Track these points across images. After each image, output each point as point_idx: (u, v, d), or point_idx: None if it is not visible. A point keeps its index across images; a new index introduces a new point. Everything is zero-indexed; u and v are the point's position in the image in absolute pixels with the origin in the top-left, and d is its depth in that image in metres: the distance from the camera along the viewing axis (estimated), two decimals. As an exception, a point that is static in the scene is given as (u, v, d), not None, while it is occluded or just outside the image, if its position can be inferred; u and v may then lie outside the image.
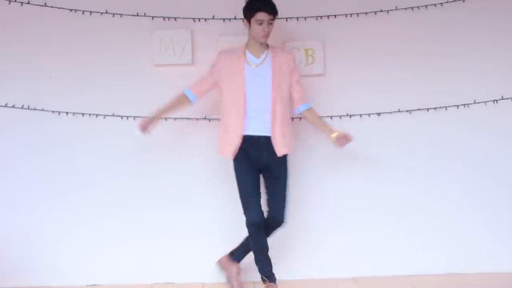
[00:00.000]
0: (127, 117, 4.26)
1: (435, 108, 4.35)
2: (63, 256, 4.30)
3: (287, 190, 3.97)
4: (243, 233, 4.16)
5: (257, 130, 3.86)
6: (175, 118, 4.25)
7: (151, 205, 4.30)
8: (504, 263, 4.36)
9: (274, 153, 3.88)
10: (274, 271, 4.03)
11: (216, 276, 4.28)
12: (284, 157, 3.94)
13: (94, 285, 4.30)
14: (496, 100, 4.36)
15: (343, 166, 4.34)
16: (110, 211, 4.29)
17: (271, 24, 3.79)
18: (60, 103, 4.25)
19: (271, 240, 4.09)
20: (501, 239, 4.38)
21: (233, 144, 3.84)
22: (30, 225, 4.28)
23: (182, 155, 4.29)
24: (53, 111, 4.25)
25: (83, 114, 4.26)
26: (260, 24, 3.77)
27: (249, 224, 3.90)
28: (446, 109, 4.35)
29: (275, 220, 3.93)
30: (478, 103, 4.35)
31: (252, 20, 3.78)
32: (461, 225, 4.38)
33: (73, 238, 4.30)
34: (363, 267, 4.35)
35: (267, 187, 3.98)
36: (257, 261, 4.00)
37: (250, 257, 4.23)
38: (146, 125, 3.94)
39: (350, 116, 4.33)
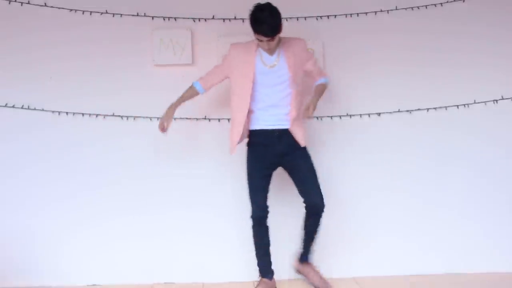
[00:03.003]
0: (127, 117, 4.26)
1: (435, 108, 4.35)
2: (64, 257, 4.30)
3: (315, 174, 3.93)
4: (243, 232, 4.17)
5: (271, 124, 3.88)
6: (175, 119, 4.24)
7: (151, 205, 4.30)
8: (504, 263, 4.36)
9: (289, 144, 3.88)
10: (275, 271, 4.03)
11: (216, 276, 4.29)
12: (305, 147, 3.95)
13: (94, 285, 4.30)
14: (496, 100, 4.36)
15: (342, 165, 4.34)
16: (110, 211, 4.29)
17: (271, 41, 3.76)
18: (60, 103, 4.25)
19: (273, 240, 4.10)
20: (500, 239, 4.38)
21: (234, 140, 3.88)
22: (30, 226, 4.28)
23: (181, 155, 4.29)
24: (53, 111, 4.25)
25: (83, 114, 4.26)
26: (261, 41, 3.77)
27: (252, 218, 3.95)
28: (446, 109, 4.35)
29: (313, 205, 3.91)
30: (478, 103, 4.35)
31: (255, 35, 3.77)
32: (461, 225, 4.38)
33: (73, 238, 4.30)
34: (363, 267, 4.35)
35: (293, 177, 3.97)
36: (256, 255, 4.02)
37: (250, 256, 4.24)
38: (164, 124, 3.93)
39: (350, 116, 4.33)
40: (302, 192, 3.94)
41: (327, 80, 4.01)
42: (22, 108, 4.24)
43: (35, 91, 4.24)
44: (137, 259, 4.29)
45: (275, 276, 4.06)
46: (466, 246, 4.37)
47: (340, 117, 4.33)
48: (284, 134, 3.88)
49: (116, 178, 4.28)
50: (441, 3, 4.31)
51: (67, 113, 4.26)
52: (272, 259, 4.05)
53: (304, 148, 3.94)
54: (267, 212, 3.93)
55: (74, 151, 4.27)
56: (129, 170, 4.28)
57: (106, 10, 4.23)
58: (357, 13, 4.30)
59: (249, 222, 4.05)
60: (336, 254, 4.34)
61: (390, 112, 4.34)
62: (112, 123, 4.27)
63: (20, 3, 4.21)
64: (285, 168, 3.97)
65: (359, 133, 4.34)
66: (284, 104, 3.86)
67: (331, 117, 4.32)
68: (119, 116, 4.27)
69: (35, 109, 4.25)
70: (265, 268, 4.02)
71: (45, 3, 4.21)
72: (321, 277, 4.03)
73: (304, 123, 3.97)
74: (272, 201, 3.97)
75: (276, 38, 3.76)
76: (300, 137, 3.89)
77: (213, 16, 4.26)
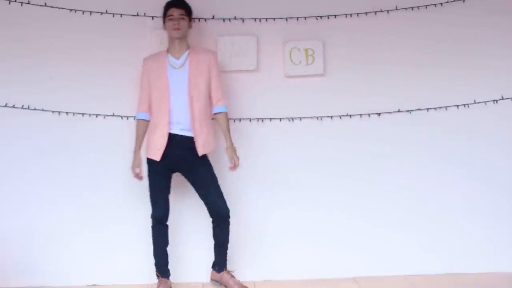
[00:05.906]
0: (127, 117, 4.26)
1: (435, 108, 4.35)
2: (64, 256, 4.30)
3: (217, 183, 4.00)
4: (243, 232, 4.18)
5: (177, 130, 3.91)
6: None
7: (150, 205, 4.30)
8: (504, 263, 4.36)
9: (191, 153, 3.92)
10: (275, 271, 4.03)
11: (216, 276, 4.29)
12: (205, 156, 3.99)
13: (94, 285, 4.30)
14: (496, 100, 4.36)
15: (343, 166, 4.34)
16: (110, 211, 4.29)
17: (182, 19, 3.91)
18: (60, 103, 4.25)
19: (273, 240, 4.10)
20: (500, 239, 4.38)
21: (161, 146, 3.89)
22: (30, 226, 4.28)
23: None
24: (53, 111, 4.25)
25: (83, 114, 4.26)
26: (171, 19, 3.89)
27: (153, 218, 4.00)
28: (446, 109, 4.35)
29: (220, 213, 3.98)
30: (478, 103, 4.35)
31: (166, 19, 3.93)
32: (461, 225, 4.38)
33: (73, 238, 4.30)
34: (363, 267, 4.35)
35: (196, 187, 4.02)
36: (155, 255, 4.06)
37: (250, 256, 4.24)
38: (137, 171, 4.03)
39: (350, 116, 4.33)
40: (206, 202, 4.00)
41: (226, 108, 4.01)
42: (22, 108, 4.24)
43: (35, 91, 4.24)
44: (137, 259, 4.29)
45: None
46: (466, 246, 4.37)
47: (340, 117, 4.33)
48: (186, 142, 3.91)
49: (116, 178, 4.27)
50: (441, 3, 4.31)
51: (67, 113, 4.26)
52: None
53: (206, 157, 3.99)
54: (167, 213, 4.00)
55: (74, 151, 4.27)
56: (129, 170, 4.27)
57: (106, 10, 4.23)
58: (357, 13, 4.29)
59: (248, 222, 4.06)
60: (336, 254, 4.34)
61: (390, 112, 4.34)
62: (112, 123, 4.27)
63: (20, 3, 4.21)
64: (186, 176, 4.02)
65: (359, 133, 4.33)
66: (186, 110, 3.89)
67: (331, 117, 4.32)
68: (119, 116, 4.27)
69: (35, 109, 4.25)
70: (165, 267, 4.06)
71: (45, 3, 4.21)
72: (240, 283, 4.05)
73: (210, 132, 3.97)
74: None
75: (186, 22, 3.92)
76: (199, 146, 3.91)
77: (213, 16, 4.25)
